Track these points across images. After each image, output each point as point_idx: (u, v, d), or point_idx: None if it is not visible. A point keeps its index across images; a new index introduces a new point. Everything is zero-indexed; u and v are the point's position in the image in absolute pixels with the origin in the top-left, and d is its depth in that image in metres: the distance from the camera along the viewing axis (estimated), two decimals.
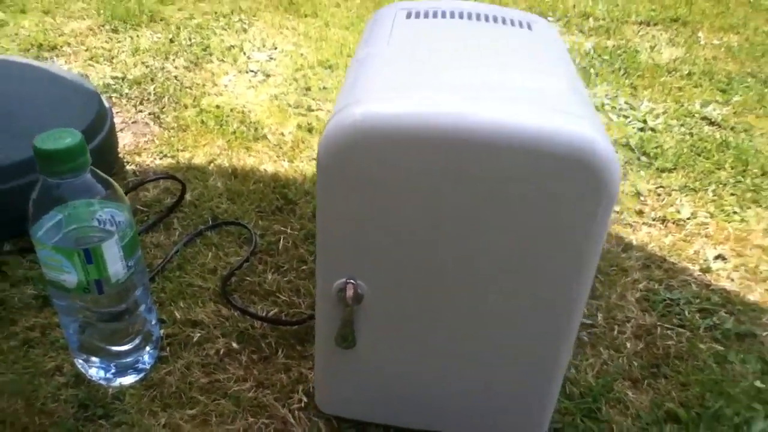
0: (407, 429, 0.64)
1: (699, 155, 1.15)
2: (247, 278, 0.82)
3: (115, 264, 0.62)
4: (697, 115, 1.29)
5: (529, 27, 0.66)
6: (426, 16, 0.67)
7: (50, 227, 0.62)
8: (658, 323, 0.79)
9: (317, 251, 0.54)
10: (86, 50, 1.45)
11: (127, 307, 0.66)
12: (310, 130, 1.19)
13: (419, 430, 0.64)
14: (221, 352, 0.72)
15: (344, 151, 0.49)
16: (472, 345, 0.57)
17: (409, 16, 0.67)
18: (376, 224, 0.52)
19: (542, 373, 0.59)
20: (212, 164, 1.06)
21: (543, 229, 0.50)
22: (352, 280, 0.55)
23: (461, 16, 0.66)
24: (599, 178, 0.47)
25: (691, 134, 1.22)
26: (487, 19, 0.66)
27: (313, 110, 1.27)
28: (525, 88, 0.53)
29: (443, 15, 0.67)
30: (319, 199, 0.52)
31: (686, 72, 1.49)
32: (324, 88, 1.36)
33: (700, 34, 1.76)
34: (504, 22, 0.66)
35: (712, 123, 1.27)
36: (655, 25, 1.82)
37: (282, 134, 1.18)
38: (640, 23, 1.83)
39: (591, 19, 1.83)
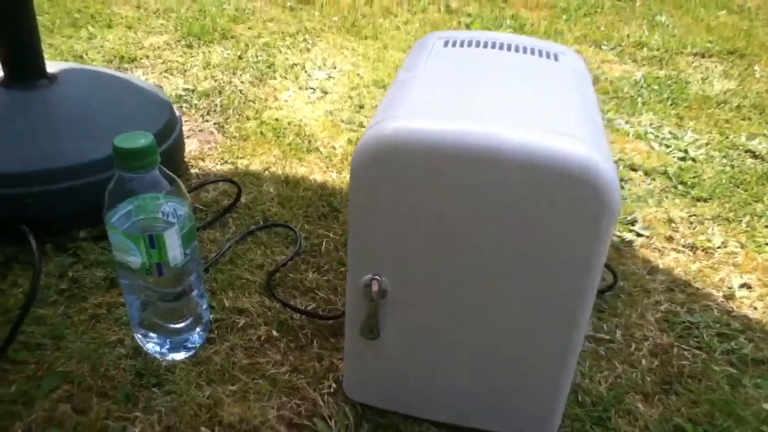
0: (424, 419, 0.70)
1: (737, 187, 1.16)
2: (290, 275, 0.90)
3: (174, 250, 0.71)
4: (741, 148, 1.30)
5: (556, 58, 0.72)
6: (461, 45, 0.73)
7: (122, 215, 0.71)
8: (676, 344, 0.82)
9: (348, 249, 0.61)
10: (162, 63, 1.59)
11: (183, 290, 0.74)
12: None
13: (435, 420, 0.70)
14: (262, 338, 0.79)
15: (376, 161, 0.56)
16: (486, 344, 0.63)
17: (446, 44, 0.74)
18: (400, 227, 0.58)
19: (551, 374, 0.63)
20: (267, 171, 1.15)
21: (550, 240, 0.55)
22: (377, 277, 0.61)
23: (493, 46, 0.72)
24: (600, 195, 0.52)
25: (732, 166, 1.23)
26: (517, 49, 0.72)
27: (364, 126, 1.35)
28: (536, 113, 0.59)
29: (477, 44, 0.73)
30: (351, 202, 0.59)
31: (736, 104, 1.50)
32: (377, 106, 1.44)
33: (756, 67, 1.75)
34: (532, 52, 0.72)
35: (755, 156, 1.28)
36: (711, 56, 1.83)
37: (333, 147, 1.26)
38: (695, 54, 1.84)
39: (645, 49, 1.86)
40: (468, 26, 2.00)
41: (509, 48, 0.72)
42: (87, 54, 1.60)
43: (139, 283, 0.72)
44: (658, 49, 1.85)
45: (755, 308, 0.89)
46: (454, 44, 0.73)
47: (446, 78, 0.66)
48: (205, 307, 0.78)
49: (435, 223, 0.57)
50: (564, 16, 2.10)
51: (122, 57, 1.59)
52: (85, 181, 0.95)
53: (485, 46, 0.73)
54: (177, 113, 1.15)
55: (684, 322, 0.85)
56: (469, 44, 0.73)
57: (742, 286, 0.92)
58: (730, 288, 0.92)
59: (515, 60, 0.71)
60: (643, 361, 0.79)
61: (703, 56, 1.83)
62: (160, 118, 1.08)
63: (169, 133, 1.08)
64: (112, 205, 0.70)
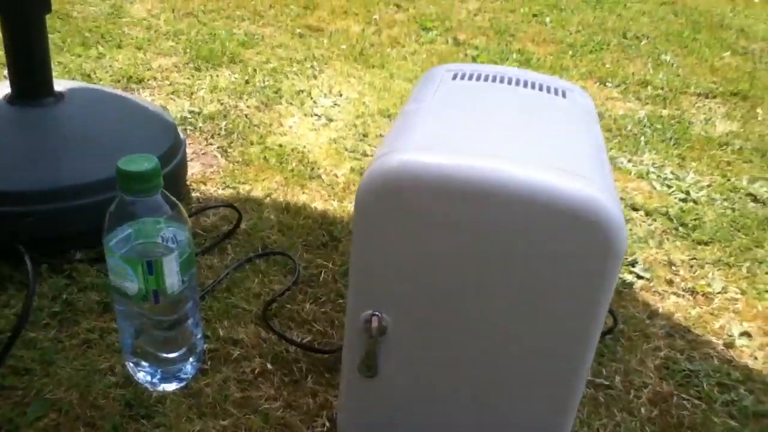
0: None
1: (738, 231, 1.16)
2: (287, 306, 0.89)
3: (171, 277, 0.70)
4: (742, 191, 1.30)
5: (564, 95, 0.72)
6: (470, 78, 0.73)
7: (121, 239, 0.70)
8: (675, 392, 0.81)
9: (349, 283, 0.60)
10: (169, 85, 1.59)
11: (178, 318, 0.73)
12: (362, 174, 1.27)
13: None
14: (256, 371, 0.78)
15: (380, 194, 0.56)
16: (486, 385, 0.62)
17: (455, 77, 0.74)
18: (402, 262, 0.57)
19: (552, 419, 0.62)
20: (268, 198, 1.15)
21: (554, 282, 0.55)
22: (377, 313, 0.60)
23: (501, 81, 0.73)
24: (605, 236, 0.52)
25: (733, 209, 1.23)
26: (525, 85, 0.72)
27: (367, 155, 1.35)
28: (545, 151, 0.59)
29: (485, 78, 0.73)
30: (355, 235, 0.59)
31: (738, 147, 1.51)
32: (381, 135, 1.44)
33: (759, 110, 1.76)
34: (541, 88, 0.72)
35: (756, 200, 1.28)
36: (714, 97, 1.84)
37: (335, 175, 1.26)
38: (699, 95, 1.85)
39: (649, 88, 1.87)
40: (474, 59, 2.01)
41: (517, 83, 0.72)
42: (95, 73, 1.61)
43: (134, 309, 0.72)
44: (662, 88, 1.86)
45: (756, 358, 0.88)
46: (462, 77, 0.73)
47: (453, 111, 0.66)
48: (199, 336, 0.78)
49: (438, 259, 0.56)
50: (570, 52, 2.12)
51: (130, 77, 1.60)
52: (86, 202, 0.94)
53: (493, 80, 0.73)
54: (181, 136, 1.15)
55: (684, 370, 0.84)
56: (478, 78, 0.73)
57: (743, 334, 0.91)
58: (730, 336, 0.91)
59: (523, 95, 0.71)
60: (642, 410, 0.78)
61: (706, 97, 1.84)
62: (165, 140, 1.08)
63: (172, 155, 1.08)
64: (112, 228, 0.70)
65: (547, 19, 2.45)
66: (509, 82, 0.72)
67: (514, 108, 0.68)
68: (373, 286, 0.60)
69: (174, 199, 0.71)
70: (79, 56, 1.70)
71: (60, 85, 1.12)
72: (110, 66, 1.66)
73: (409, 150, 0.57)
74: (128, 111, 1.17)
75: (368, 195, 0.56)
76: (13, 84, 1.07)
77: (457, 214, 0.54)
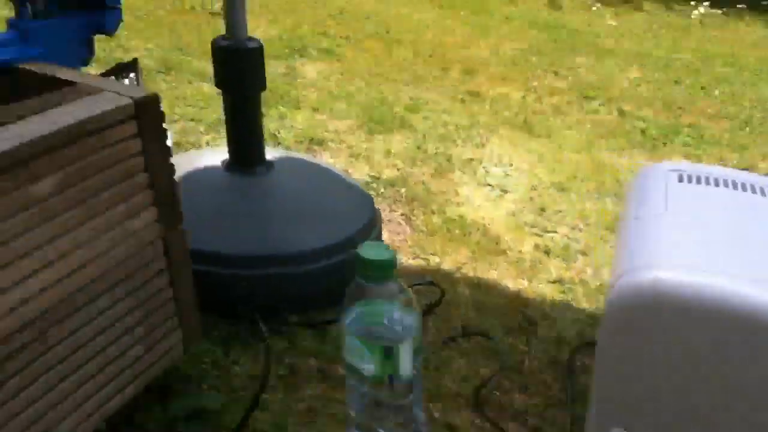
0: None
1: None
2: (496, 392, 0.88)
3: (406, 362, 0.71)
4: None
5: None
6: (699, 182, 0.70)
7: (354, 318, 0.72)
8: None
9: (594, 397, 0.58)
10: (347, 147, 1.66)
11: (406, 403, 0.73)
12: (546, 252, 1.24)
13: None
14: None
15: (633, 312, 0.54)
16: None
17: (681, 179, 0.70)
18: (656, 382, 0.54)
19: None
20: (459, 272, 1.15)
21: None
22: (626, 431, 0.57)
23: (735, 186, 0.68)
24: None
25: None
26: (763, 193, 0.68)
27: (548, 232, 1.33)
28: None
29: (716, 183, 0.69)
30: (602, 349, 0.57)
31: None
32: (559, 211, 1.42)
33: None
34: None
35: None
36: None
37: (520, 251, 1.24)
38: None
39: None
40: (643, 132, 1.95)
41: (754, 190, 0.68)
42: (279, 132, 1.71)
43: (366, 389, 0.73)
44: None
45: None
46: (690, 180, 0.70)
47: (695, 222, 0.63)
48: (422, 420, 0.77)
49: (696, 383, 0.53)
50: (747, 129, 2.00)
51: (311, 139, 1.68)
52: (298, 269, 0.98)
53: (726, 185, 0.69)
54: (377, 208, 1.19)
55: None
56: (707, 181, 0.70)
57: None
58: None
59: (766, 206, 0.66)
60: None
61: None
62: (364, 212, 1.12)
63: (371, 227, 1.11)
64: (348, 308, 0.72)
65: (716, 92, 2.35)
66: (744, 189, 0.68)
67: (761, 220, 0.64)
68: (622, 402, 0.57)
69: (405, 286, 0.72)
70: (264, 116, 1.81)
71: (269, 154, 1.20)
72: (292, 126, 1.76)
73: (662, 267, 0.55)
74: (330, 182, 1.22)
75: (619, 312, 0.55)
76: (231, 152, 1.15)
77: (720, 339, 0.51)
